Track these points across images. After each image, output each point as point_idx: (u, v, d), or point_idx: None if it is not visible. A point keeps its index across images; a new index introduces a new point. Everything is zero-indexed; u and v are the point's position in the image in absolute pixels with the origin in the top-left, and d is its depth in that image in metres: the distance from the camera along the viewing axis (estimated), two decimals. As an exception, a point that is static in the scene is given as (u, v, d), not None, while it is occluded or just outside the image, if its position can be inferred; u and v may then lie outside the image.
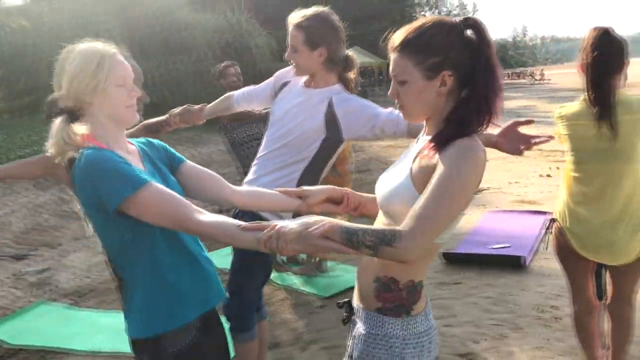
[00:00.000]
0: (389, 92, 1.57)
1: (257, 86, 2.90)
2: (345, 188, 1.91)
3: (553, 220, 2.80)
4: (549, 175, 8.62)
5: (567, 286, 2.88)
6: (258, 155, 2.71)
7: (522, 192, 7.70)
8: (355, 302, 1.67)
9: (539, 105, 21.10)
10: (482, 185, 8.21)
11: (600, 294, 2.87)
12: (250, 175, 2.71)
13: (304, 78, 2.64)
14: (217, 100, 3.00)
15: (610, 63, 2.49)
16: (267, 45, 17.16)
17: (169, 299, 1.66)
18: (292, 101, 2.62)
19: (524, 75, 46.92)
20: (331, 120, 2.51)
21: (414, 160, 1.51)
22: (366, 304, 1.59)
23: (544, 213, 6.11)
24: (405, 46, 1.48)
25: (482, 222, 6.14)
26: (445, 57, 1.44)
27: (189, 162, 1.87)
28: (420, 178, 1.45)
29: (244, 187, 1.98)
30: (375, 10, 37.85)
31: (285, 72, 2.77)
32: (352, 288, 4.70)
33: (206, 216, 1.55)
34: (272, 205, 1.93)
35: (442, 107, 1.49)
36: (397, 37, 1.50)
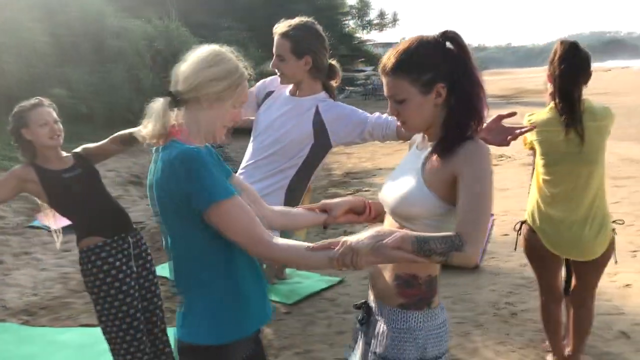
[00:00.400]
0: (389, 111, 1.70)
1: None
2: (363, 198, 2.00)
3: (522, 222, 2.98)
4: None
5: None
6: (244, 165, 2.73)
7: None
8: (373, 301, 1.75)
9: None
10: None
11: (567, 289, 3.07)
12: None
13: (289, 87, 2.69)
14: None
15: (577, 74, 2.69)
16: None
17: (239, 309, 1.65)
18: (279, 110, 2.66)
19: None
20: (319, 127, 2.58)
21: (423, 166, 1.63)
22: (388, 302, 1.68)
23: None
24: (399, 68, 1.59)
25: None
26: (437, 71, 1.58)
27: (236, 175, 1.88)
28: (435, 182, 1.59)
29: (276, 207, 1.99)
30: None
31: (268, 82, 2.81)
32: (315, 294, 4.80)
33: (276, 239, 1.56)
34: (303, 222, 1.96)
35: (439, 115, 1.62)
36: (388, 61, 1.61)
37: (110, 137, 2.93)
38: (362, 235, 1.47)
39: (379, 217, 1.93)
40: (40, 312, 4.59)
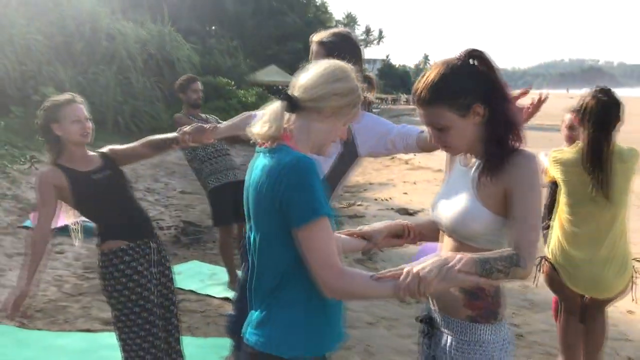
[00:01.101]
0: (432, 140, 1.72)
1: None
2: (401, 221, 1.99)
3: (543, 259, 3.01)
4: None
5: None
6: None
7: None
8: (437, 314, 1.75)
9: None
10: (415, 208, 8.52)
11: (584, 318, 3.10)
12: None
13: None
14: (235, 119, 2.94)
15: (608, 121, 2.73)
16: (189, 59, 16.92)
17: (322, 325, 1.62)
18: None
19: None
20: (347, 135, 2.57)
21: (474, 184, 1.66)
22: (455, 314, 1.68)
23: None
24: (435, 98, 1.61)
25: (420, 252, 6.32)
26: (471, 93, 1.61)
27: None
28: (488, 198, 1.62)
29: None
30: (289, 30, 38.20)
31: None
32: None
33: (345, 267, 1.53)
34: (347, 248, 1.93)
35: (479, 132, 1.65)
36: (422, 92, 1.63)
37: (141, 140, 2.89)
38: (426, 263, 1.45)
39: (419, 238, 1.94)
40: (37, 315, 4.49)
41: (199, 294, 4.98)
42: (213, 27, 33.87)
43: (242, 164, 5.82)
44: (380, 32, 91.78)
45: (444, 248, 1.76)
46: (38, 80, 12.75)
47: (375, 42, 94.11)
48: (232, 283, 4.91)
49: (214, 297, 4.91)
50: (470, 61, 1.63)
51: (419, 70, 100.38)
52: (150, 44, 15.58)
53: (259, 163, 1.62)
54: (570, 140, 3.15)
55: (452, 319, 1.69)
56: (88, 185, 2.72)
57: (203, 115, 5.06)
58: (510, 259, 1.48)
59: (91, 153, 2.84)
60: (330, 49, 2.55)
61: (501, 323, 1.68)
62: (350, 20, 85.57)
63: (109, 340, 4.03)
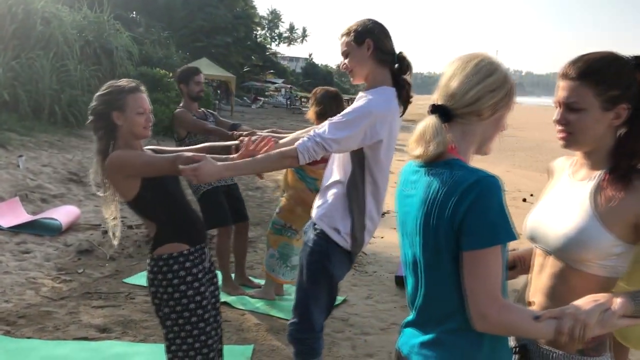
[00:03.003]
0: (556, 117, 1.59)
1: None
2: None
3: None
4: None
5: None
6: None
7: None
8: (545, 346, 1.62)
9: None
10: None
11: None
12: None
13: None
14: (297, 133, 2.87)
15: None
16: (127, 48, 16.20)
17: (496, 351, 1.51)
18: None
19: (350, 101, 48.73)
20: None
21: (594, 201, 1.53)
22: (563, 347, 1.55)
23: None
24: (588, 75, 1.51)
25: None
26: (625, 92, 1.51)
27: None
28: (615, 220, 1.49)
29: None
30: (219, 23, 37.52)
31: None
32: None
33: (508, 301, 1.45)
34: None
35: (607, 139, 1.56)
36: (578, 65, 1.54)
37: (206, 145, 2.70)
38: (585, 304, 1.40)
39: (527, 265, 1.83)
40: (19, 322, 4.13)
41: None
42: (139, 16, 32.62)
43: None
44: (304, 30, 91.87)
45: (540, 270, 1.66)
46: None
47: (299, 40, 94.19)
48: (226, 287, 4.73)
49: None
50: (636, 63, 1.53)
51: (341, 71, 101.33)
52: (88, 31, 14.79)
53: (425, 180, 1.51)
54: None
55: (557, 351, 1.57)
56: (155, 180, 2.50)
57: (201, 110, 4.84)
58: None
59: (145, 148, 2.62)
60: (354, 30, 2.61)
61: (607, 355, 1.57)
62: (275, 17, 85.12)
63: (114, 349, 3.80)
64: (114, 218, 2.69)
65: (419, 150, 1.51)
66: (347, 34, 2.66)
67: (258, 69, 52.70)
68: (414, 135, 1.54)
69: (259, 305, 4.61)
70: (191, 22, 34.23)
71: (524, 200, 9.67)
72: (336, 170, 2.77)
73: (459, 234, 1.41)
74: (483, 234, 1.38)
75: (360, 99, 2.59)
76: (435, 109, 1.52)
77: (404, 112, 2.69)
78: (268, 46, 62.44)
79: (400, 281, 5.11)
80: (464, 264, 1.41)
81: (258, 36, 54.72)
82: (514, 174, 12.26)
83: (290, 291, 4.94)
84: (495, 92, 1.50)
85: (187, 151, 2.55)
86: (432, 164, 1.51)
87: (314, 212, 2.84)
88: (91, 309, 4.43)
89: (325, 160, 4.36)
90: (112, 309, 4.47)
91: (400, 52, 2.68)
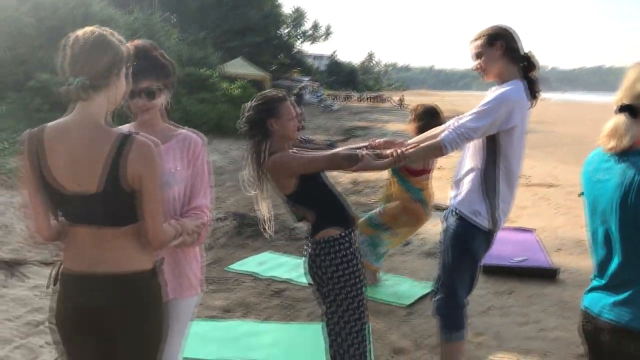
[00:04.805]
0: None
1: None
2: None
3: None
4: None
5: None
6: None
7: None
8: None
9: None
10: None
11: None
12: None
13: None
14: (425, 134, 3.32)
15: None
16: (176, 48, 16.66)
17: None
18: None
19: (379, 99, 48.48)
20: None
21: None
22: None
23: (528, 230, 6.87)
24: None
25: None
26: None
27: None
28: None
29: None
30: (250, 24, 37.97)
31: None
32: (425, 296, 4.82)
33: None
34: None
35: None
36: None
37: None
38: None
39: None
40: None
41: (295, 283, 5.13)
42: (172, 17, 33.20)
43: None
44: (328, 27, 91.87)
45: None
46: (30, 65, 12.32)
47: (322, 38, 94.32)
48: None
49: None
50: None
51: (364, 67, 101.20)
52: (140, 32, 15.26)
53: (619, 167, 1.83)
54: None
55: None
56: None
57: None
58: None
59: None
60: (486, 33, 2.95)
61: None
62: (299, 15, 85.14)
63: (244, 328, 4.15)
64: (268, 212, 3.05)
65: (612, 143, 1.83)
66: (479, 38, 2.98)
67: (285, 67, 53.10)
68: (605, 131, 1.86)
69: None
70: (223, 22, 34.73)
71: (581, 194, 9.81)
72: (470, 160, 3.06)
73: None
74: None
75: (495, 92, 2.92)
76: (623, 108, 1.83)
77: (532, 105, 3.01)
78: (296, 44, 62.72)
79: (487, 270, 5.36)
80: None
81: (284, 35, 55.12)
82: (561, 169, 12.35)
83: (387, 278, 5.25)
84: None
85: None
86: (623, 153, 1.82)
87: (451, 201, 3.14)
88: (207, 293, 4.78)
89: (427, 171, 4.71)
90: (227, 293, 4.84)
91: (527, 52, 2.99)
